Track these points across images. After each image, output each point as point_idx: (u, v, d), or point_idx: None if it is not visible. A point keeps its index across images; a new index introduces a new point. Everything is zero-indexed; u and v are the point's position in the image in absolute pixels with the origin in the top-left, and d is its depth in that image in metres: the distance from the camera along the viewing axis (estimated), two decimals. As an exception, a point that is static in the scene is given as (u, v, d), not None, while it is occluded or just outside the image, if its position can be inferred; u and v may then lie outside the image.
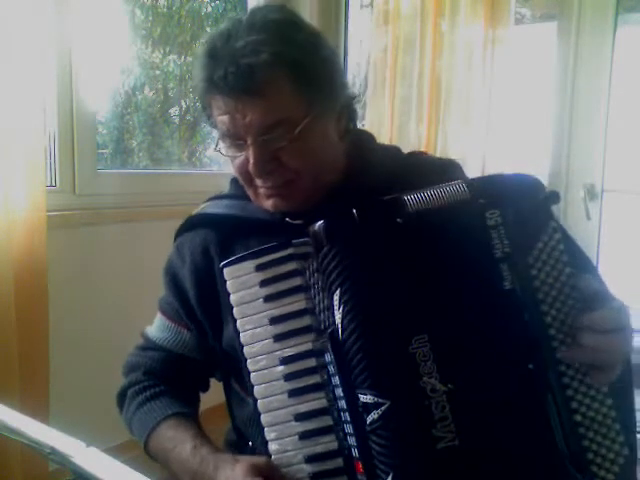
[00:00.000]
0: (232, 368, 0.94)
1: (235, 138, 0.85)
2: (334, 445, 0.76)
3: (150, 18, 2.35)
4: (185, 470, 0.85)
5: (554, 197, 0.73)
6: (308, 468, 0.77)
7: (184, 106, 2.57)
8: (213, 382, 1.04)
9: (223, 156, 0.90)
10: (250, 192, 0.91)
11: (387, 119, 2.57)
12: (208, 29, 2.58)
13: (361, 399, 0.70)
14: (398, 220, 0.71)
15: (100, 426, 1.54)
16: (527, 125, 2.58)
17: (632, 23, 2.43)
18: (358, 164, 0.92)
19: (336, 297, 0.71)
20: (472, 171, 2.39)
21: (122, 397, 1.00)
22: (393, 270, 0.71)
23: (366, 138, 0.99)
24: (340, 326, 0.71)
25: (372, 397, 0.69)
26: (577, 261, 0.75)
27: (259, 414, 0.79)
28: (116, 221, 1.95)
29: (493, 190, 0.72)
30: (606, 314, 0.71)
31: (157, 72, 2.40)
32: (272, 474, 0.77)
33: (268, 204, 0.89)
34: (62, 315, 1.69)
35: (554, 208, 0.73)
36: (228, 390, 1.00)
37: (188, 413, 0.94)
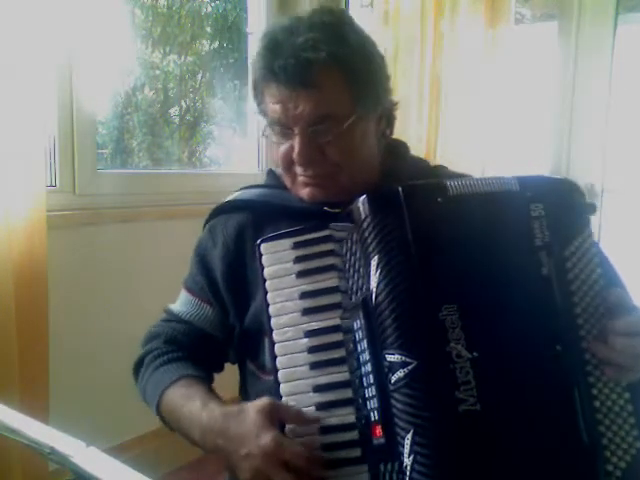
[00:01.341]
0: (251, 347, 0.97)
1: (284, 126, 0.91)
2: (351, 418, 0.79)
3: (150, 18, 2.35)
4: (194, 425, 0.86)
5: (592, 207, 0.81)
6: (321, 439, 0.79)
7: (184, 106, 2.57)
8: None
9: (270, 141, 0.96)
10: (288, 180, 0.97)
11: (387, 119, 2.56)
12: (208, 29, 2.58)
13: (388, 359, 0.73)
14: (439, 199, 0.77)
15: (100, 426, 1.54)
16: (527, 125, 2.58)
17: (632, 23, 2.43)
18: (391, 171, 0.98)
19: (374, 263, 0.75)
20: (472, 171, 2.38)
21: (139, 365, 1.03)
22: (430, 243, 0.76)
23: (402, 149, 1.07)
24: (375, 290, 0.75)
25: (400, 356, 0.72)
26: (608, 274, 0.81)
27: (278, 384, 0.82)
28: (116, 221, 1.95)
29: (540, 187, 0.80)
30: (632, 319, 0.76)
31: (157, 72, 2.40)
32: (279, 412, 0.79)
33: (304, 192, 0.94)
34: (62, 315, 1.69)
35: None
36: (243, 371, 1.03)
37: (203, 377, 0.97)
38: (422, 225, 0.75)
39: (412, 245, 0.74)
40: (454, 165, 1.12)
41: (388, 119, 1.00)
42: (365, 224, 0.77)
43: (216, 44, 2.63)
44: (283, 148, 0.93)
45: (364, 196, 0.79)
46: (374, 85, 0.93)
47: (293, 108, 0.88)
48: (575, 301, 0.76)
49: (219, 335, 1.03)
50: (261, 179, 1.09)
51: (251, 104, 0.98)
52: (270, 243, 0.86)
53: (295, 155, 0.90)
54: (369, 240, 0.76)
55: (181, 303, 1.06)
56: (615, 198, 2.39)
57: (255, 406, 0.80)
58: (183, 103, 2.57)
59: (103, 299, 1.88)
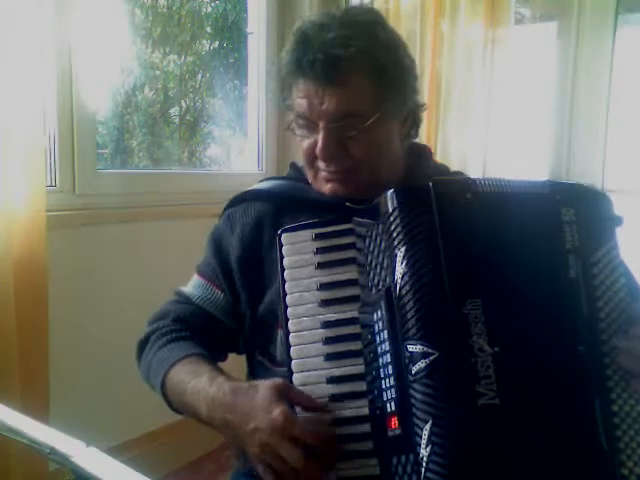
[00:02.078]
0: (262, 337, 0.97)
1: (309, 121, 0.92)
2: (364, 411, 0.78)
3: (150, 18, 2.35)
4: (201, 399, 0.85)
5: (619, 220, 0.83)
6: (333, 431, 0.78)
7: (184, 106, 2.57)
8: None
9: (295, 135, 0.97)
10: (310, 174, 0.98)
11: (387, 119, 2.56)
12: (208, 29, 2.58)
13: (409, 349, 0.73)
14: (467, 195, 0.77)
15: (100, 426, 1.54)
16: (527, 125, 2.58)
17: (632, 23, 2.42)
18: (413, 172, 0.99)
19: (400, 253, 0.75)
20: (472, 171, 2.39)
21: (144, 343, 1.02)
22: (457, 237, 0.76)
23: (425, 152, 1.07)
24: (400, 281, 0.75)
25: (422, 347, 0.72)
26: (631, 286, 0.83)
27: (292, 373, 0.82)
28: (116, 221, 1.95)
29: (571, 192, 0.82)
30: None
31: (157, 72, 2.40)
32: (290, 392, 0.80)
33: (326, 188, 0.95)
34: (62, 315, 1.69)
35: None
36: (252, 362, 1.03)
37: (210, 357, 0.96)
38: (451, 219, 0.76)
39: (439, 238, 0.75)
40: (454, 165, 1.13)
41: (414, 120, 1.01)
42: (393, 217, 0.77)
43: (216, 44, 2.63)
44: (307, 142, 0.94)
45: (392, 190, 0.79)
46: (401, 85, 0.93)
47: (318, 104, 0.89)
48: (599, 306, 0.77)
49: (227, 322, 1.02)
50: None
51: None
52: (291, 233, 0.86)
53: (318, 150, 0.91)
54: (396, 232, 0.77)
55: (193, 286, 1.06)
56: (615, 198, 2.38)
57: (266, 383, 0.80)
58: (183, 103, 2.57)
59: (103, 299, 1.88)
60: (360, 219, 0.84)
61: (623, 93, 2.36)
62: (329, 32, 0.87)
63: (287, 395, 0.79)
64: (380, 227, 0.80)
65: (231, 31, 2.64)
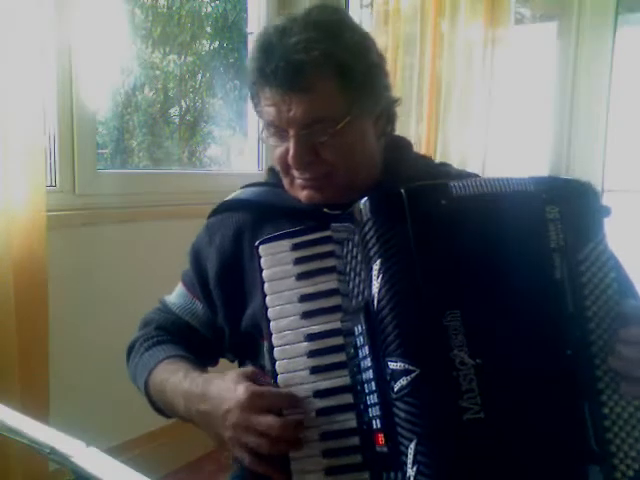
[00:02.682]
0: (250, 349, 0.96)
1: (279, 129, 0.89)
2: (352, 423, 0.77)
3: (150, 18, 2.35)
4: (177, 394, 0.87)
5: (607, 210, 0.78)
6: (323, 445, 0.77)
7: (184, 106, 2.57)
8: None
9: (267, 143, 0.95)
10: (286, 182, 0.95)
11: (387, 119, 2.56)
12: (208, 29, 2.58)
13: (390, 366, 0.71)
14: (443, 202, 0.74)
15: (100, 426, 1.54)
16: (527, 125, 2.58)
17: (632, 23, 2.43)
18: (393, 168, 0.96)
19: (376, 267, 0.73)
20: (472, 171, 2.38)
21: (130, 349, 1.04)
22: (433, 247, 0.74)
23: (403, 145, 1.04)
24: (377, 295, 0.73)
25: (402, 364, 0.70)
26: (621, 280, 0.80)
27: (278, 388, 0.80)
28: (116, 221, 1.95)
29: (556, 189, 0.77)
30: None
31: (157, 72, 2.40)
32: (259, 379, 0.79)
33: (302, 195, 0.93)
34: (62, 315, 1.69)
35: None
36: None
37: (192, 358, 0.96)
38: (425, 229, 0.73)
39: (414, 250, 0.72)
40: (454, 165, 1.11)
41: (388, 117, 0.97)
42: (367, 227, 0.75)
43: (216, 44, 2.63)
44: (279, 150, 0.91)
45: (366, 198, 0.76)
46: (371, 84, 0.90)
47: (286, 111, 0.86)
48: (587, 305, 0.74)
49: (206, 333, 1.02)
50: (261, 179, 1.09)
51: (251, 104, 0.97)
52: (269, 244, 0.84)
53: (290, 158, 0.88)
54: (370, 244, 0.74)
55: (175, 295, 1.07)
56: (615, 198, 2.39)
57: (236, 369, 0.81)
58: (183, 103, 2.57)
59: (103, 299, 1.88)
60: (338, 225, 0.81)
61: (623, 93, 2.36)
62: (291, 37, 0.84)
63: (255, 379, 0.79)
64: (356, 238, 0.77)
65: (231, 31, 2.64)
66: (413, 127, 2.53)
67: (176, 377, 0.88)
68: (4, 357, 1.49)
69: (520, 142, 2.53)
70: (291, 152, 0.88)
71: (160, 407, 0.95)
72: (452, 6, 2.46)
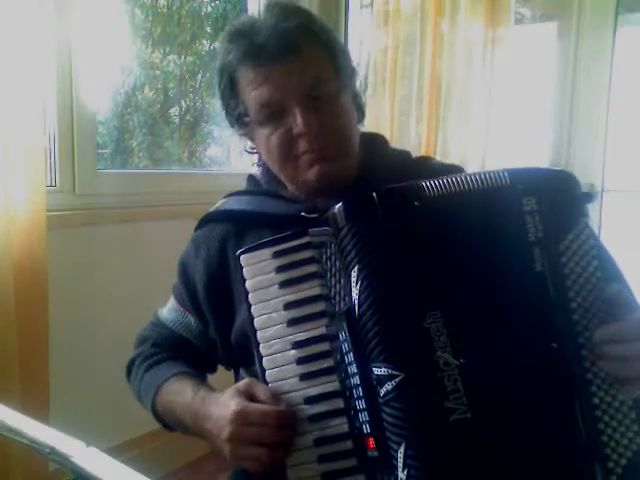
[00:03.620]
0: (242, 358, 0.96)
1: (275, 107, 0.87)
2: (344, 428, 0.77)
3: (150, 18, 2.35)
4: (186, 414, 0.88)
5: (588, 196, 0.76)
6: (317, 451, 0.78)
7: (184, 106, 2.57)
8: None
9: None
10: (289, 168, 0.91)
11: (387, 119, 2.57)
12: (208, 29, 2.58)
13: (375, 372, 0.71)
14: (416, 203, 0.73)
15: (100, 426, 1.54)
16: (527, 125, 2.58)
17: (632, 23, 2.43)
18: (369, 165, 0.95)
19: (354, 274, 0.72)
20: (472, 171, 2.38)
21: (130, 367, 1.05)
22: (410, 249, 0.73)
23: (379, 141, 1.03)
24: (357, 302, 0.72)
25: (386, 369, 0.70)
26: (606, 267, 0.77)
27: None
28: (116, 221, 1.95)
29: (532, 179, 0.76)
30: (626, 326, 0.71)
31: (157, 72, 2.40)
32: (253, 391, 0.80)
33: (312, 173, 0.89)
34: (62, 315, 1.69)
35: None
36: (237, 378, 1.03)
37: (194, 373, 0.97)
38: (400, 232, 0.73)
39: (390, 254, 0.72)
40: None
41: (359, 105, 0.97)
42: (342, 233, 0.74)
43: (216, 44, 2.63)
44: (277, 134, 0.88)
45: (340, 203, 0.75)
46: (347, 57, 0.93)
47: (283, 81, 0.85)
48: (571, 296, 0.72)
49: (200, 345, 1.03)
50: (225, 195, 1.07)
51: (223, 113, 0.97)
52: (250, 254, 0.83)
53: (299, 128, 0.85)
54: (347, 250, 0.74)
55: (168, 309, 1.07)
56: (615, 198, 2.39)
57: (234, 385, 0.82)
58: (183, 103, 2.57)
59: (103, 299, 1.88)
60: (317, 229, 0.80)
61: (623, 93, 2.37)
62: (271, 17, 0.86)
63: (251, 390, 0.80)
64: (333, 246, 0.77)
65: (231, 31, 2.64)
66: (413, 127, 2.54)
67: (185, 396, 0.89)
68: (4, 357, 1.49)
69: (520, 142, 2.53)
70: (299, 120, 0.85)
71: (171, 426, 0.96)
72: (452, 6, 2.46)
